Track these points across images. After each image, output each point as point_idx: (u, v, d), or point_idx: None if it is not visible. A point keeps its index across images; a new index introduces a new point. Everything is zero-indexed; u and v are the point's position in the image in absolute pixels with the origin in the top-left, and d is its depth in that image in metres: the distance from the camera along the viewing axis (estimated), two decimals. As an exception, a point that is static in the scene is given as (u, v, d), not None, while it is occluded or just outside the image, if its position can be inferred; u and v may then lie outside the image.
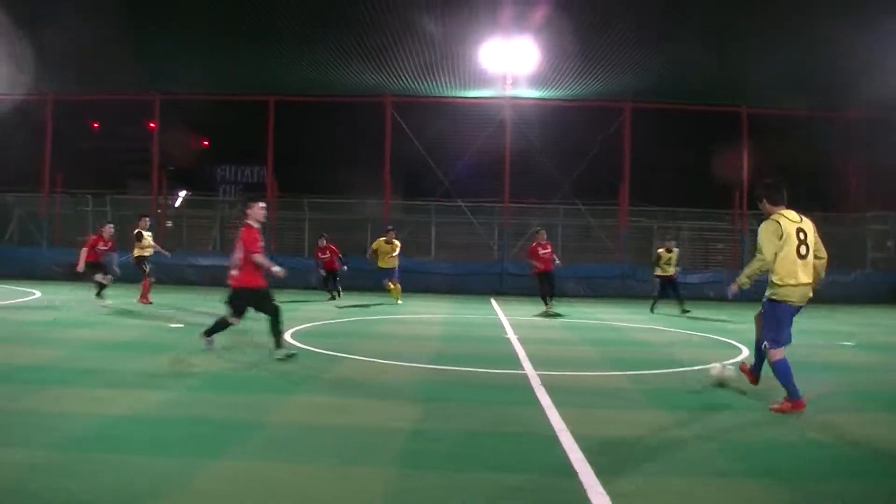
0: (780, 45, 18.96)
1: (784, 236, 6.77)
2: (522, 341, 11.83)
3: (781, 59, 19.85)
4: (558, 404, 6.93)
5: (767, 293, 6.98)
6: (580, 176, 25.96)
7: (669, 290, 18.11)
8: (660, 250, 18.47)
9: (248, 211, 9.42)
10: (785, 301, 6.85)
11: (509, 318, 15.73)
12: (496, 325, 14.40)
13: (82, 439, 5.40)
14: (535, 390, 7.71)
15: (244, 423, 6.02)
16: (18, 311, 14.72)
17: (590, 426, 6.20)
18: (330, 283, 20.19)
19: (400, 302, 18.82)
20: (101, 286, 15.75)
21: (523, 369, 9.10)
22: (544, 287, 17.18)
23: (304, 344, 10.83)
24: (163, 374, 8.09)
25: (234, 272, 9.22)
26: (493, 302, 19.62)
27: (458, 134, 26.03)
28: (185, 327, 12.58)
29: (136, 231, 16.47)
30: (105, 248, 16.07)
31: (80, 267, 15.53)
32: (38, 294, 17.43)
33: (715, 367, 8.21)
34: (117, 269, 16.75)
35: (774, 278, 6.85)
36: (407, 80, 23.16)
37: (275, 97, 26.06)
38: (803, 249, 6.83)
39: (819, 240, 7.09)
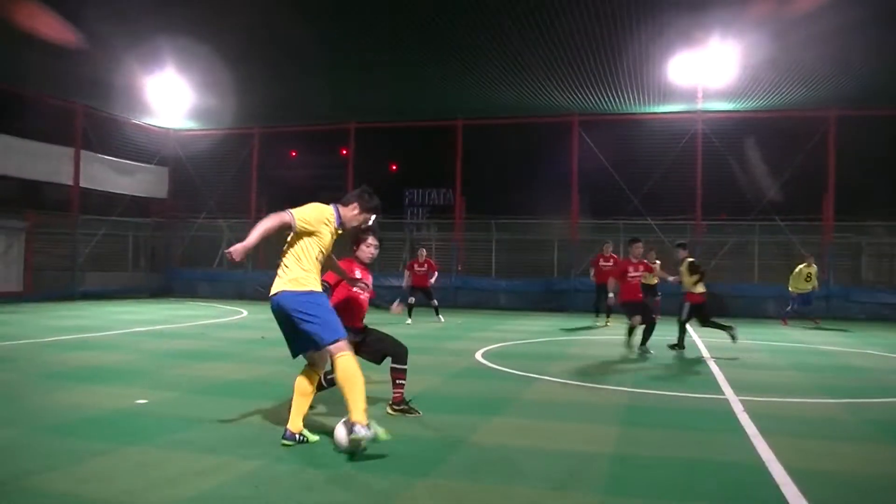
0: None
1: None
2: (721, 364, 11.34)
3: None
4: (765, 432, 6.56)
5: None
6: (780, 190, 24.55)
7: None
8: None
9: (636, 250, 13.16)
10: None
11: (705, 340, 15.09)
12: (692, 347, 13.85)
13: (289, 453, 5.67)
14: (738, 416, 7.36)
15: (449, 443, 6.10)
16: (230, 330, 15.83)
17: (803, 458, 5.80)
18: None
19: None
20: (410, 307, 18.40)
21: (724, 394, 8.71)
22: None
23: (497, 364, 10.93)
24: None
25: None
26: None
27: (648, 150, 25.37)
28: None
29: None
30: (421, 269, 18.82)
31: (406, 288, 18.75)
32: (244, 313, 18.71)
33: None
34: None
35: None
36: (594, 98, 22.96)
37: (462, 121, 26.78)
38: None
39: None
